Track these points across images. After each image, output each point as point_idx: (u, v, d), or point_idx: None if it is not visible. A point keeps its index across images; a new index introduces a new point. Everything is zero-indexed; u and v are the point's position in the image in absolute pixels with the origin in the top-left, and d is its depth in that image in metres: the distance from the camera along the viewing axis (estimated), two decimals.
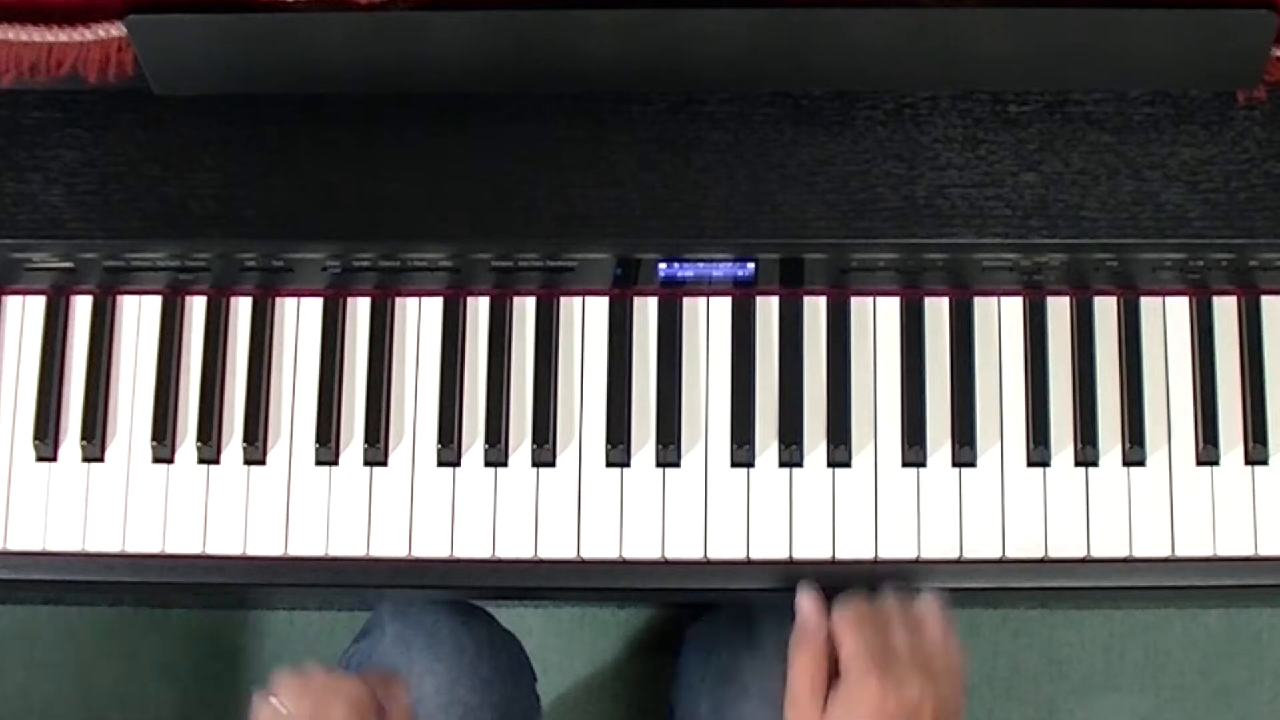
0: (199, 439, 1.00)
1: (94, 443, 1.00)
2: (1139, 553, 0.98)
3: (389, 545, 0.98)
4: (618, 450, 0.99)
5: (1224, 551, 0.98)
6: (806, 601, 0.95)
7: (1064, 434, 0.99)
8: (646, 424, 0.99)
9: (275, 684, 0.91)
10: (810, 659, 0.93)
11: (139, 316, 1.02)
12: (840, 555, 0.97)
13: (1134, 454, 0.98)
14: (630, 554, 0.98)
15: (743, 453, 0.98)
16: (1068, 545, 0.98)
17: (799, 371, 0.99)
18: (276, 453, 1.00)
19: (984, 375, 1.00)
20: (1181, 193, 0.95)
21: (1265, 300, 1.00)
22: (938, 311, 1.01)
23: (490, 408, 1.00)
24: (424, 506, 0.99)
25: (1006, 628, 1.57)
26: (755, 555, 0.98)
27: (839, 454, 0.98)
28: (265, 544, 0.98)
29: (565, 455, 0.99)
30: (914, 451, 0.98)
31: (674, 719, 1.12)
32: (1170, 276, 0.99)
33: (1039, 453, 0.98)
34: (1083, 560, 0.98)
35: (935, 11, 0.88)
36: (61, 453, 1.00)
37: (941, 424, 0.99)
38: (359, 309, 1.02)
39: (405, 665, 1.03)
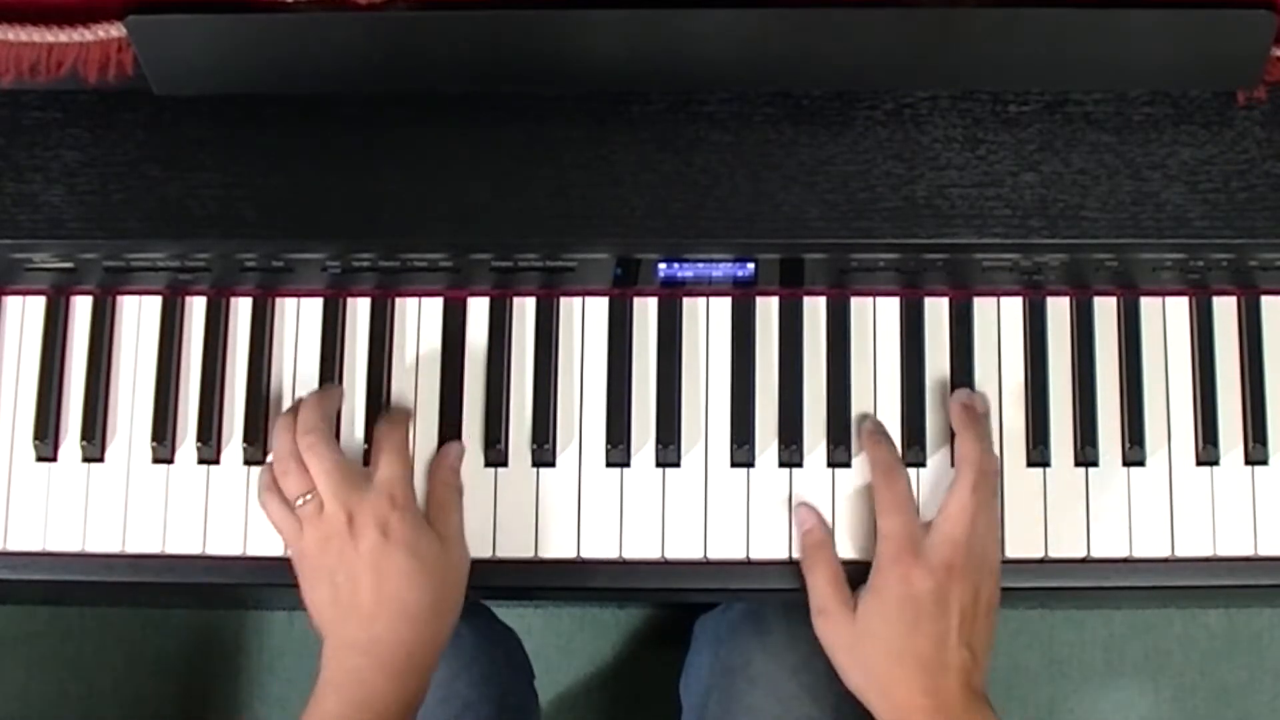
0: (199, 439, 1.00)
1: (94, 443, 1.00)
2: (1139, 553, 0.98)
3: None
4: (618, 450, 0.99)
5: (1224, 551, 0.98)
6: (804, 512, 0.97)
7: (1064, 434, 0.99)
8: (646, 424, 0.99)
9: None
10: (824, 567, 0.95)
11: (139, 316, 1.02)
12: (840, 555, 0.97)
13: (1134, 454, 0.99)
14: (630, 554, 0.98)
15: (743, 453, 0.98)
16: (1068, 545, 0.98)
17: (799, 371, 1.00)
18: None
19: (983, 376, 1.00)
20: (1181, 193, 0.95)
21: (1265, 300, 1.00)
22: (938, 311, 1.01)
23: (490, 408, 1.00)
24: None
25: (1006, 628, 1.58)
26: (755, 555, 0.98)
27: (839, 454, 0.98)
28: (266, 544, 0.98)
29: (565, 455, 0.99)
30: (914, 452, 0.98)
31: (683, 710, 1.12)
32: (1170, 276, 0.99)
33: (1038, 453, 0.98)
34: (1082, 560, 0.98)
35: (935, 11, 0.88)
36: (61, 453, 1.00)
37: (941, 425, 0.99)
38: (359, 309, 1.02)
39: None
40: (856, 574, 0.95)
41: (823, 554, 0.95)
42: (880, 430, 0.98)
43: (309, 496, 0.92)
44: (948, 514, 0.93)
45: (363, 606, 0.90)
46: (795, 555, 0.97)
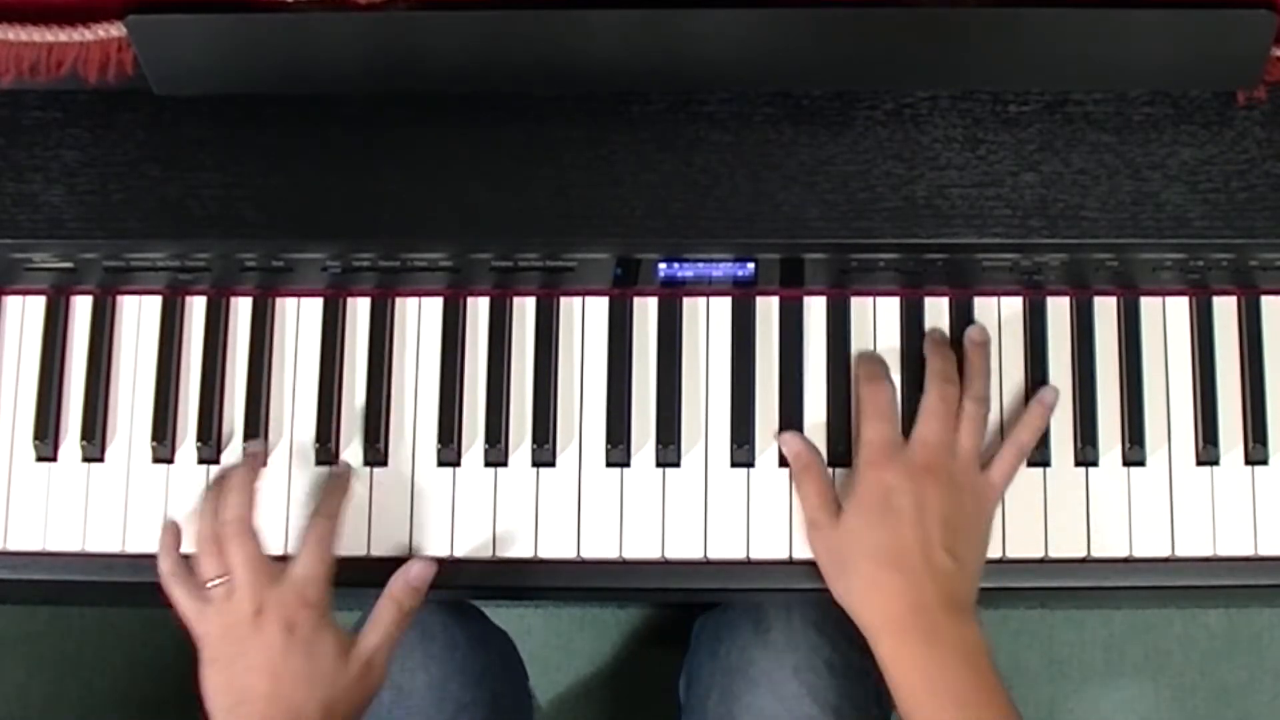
0: (199, 439, 1.00)
1: (94, 443, 1.00)
2: (1139, 553, 0.98)
3: (389, 545, 0.98)
4: (618, 450, 0.99)
5: (1224, 551, 0.98)
6: (788, 437, 0.98)
7: (1064, 434, 0.99)
8: (646, 424, 0.99)
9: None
10: (813, 482, 0.96)
11: (139, 316, 1.02)
12: None
13: (1134, 454, 0.99)
14: (630, 554, 0.98)
15: (743, 453, 0.98)
16: (1068, 545, 0.98)
17: (799, 371, 1.00)
18: (277, 453, 1.00)
19: None
20: (1181, 193, 0.95)
21: (1265, 300, 1.00)
22: (938, 311, 1.01)
23: (490, 408, 1.00)
24: (424, 506, 0.99)
25: (1006, 628, 1.58)
26: (755, 555, 0.98)
27: (839, 454, 0.98)
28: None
29: (565, 455, 0.99)
30: None
31: (683, 710, 1.13)
32: (1170, 276, 0.99)
33: (1039, 453, 0.98)
34: (1083, 560, 0.98)
35: (935, 11, 0.88)
36: (61, 453, 1.00)
37: None
38: (359, 309, 1.02)
39: (397, 662, 1.03)
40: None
41: (810, 471, 0.96)
42: (872, 354, 0.99)
43: (222, 580, 0.92)
44: (921, 420, 0.95)
45: (252, 701, 0.89)
46: (798, 556, 0.97)
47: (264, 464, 0.98)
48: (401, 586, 0.95)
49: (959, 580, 0.91)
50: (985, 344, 0.99)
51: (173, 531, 0.97)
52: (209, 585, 0.92)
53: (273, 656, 0.90)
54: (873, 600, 0.91)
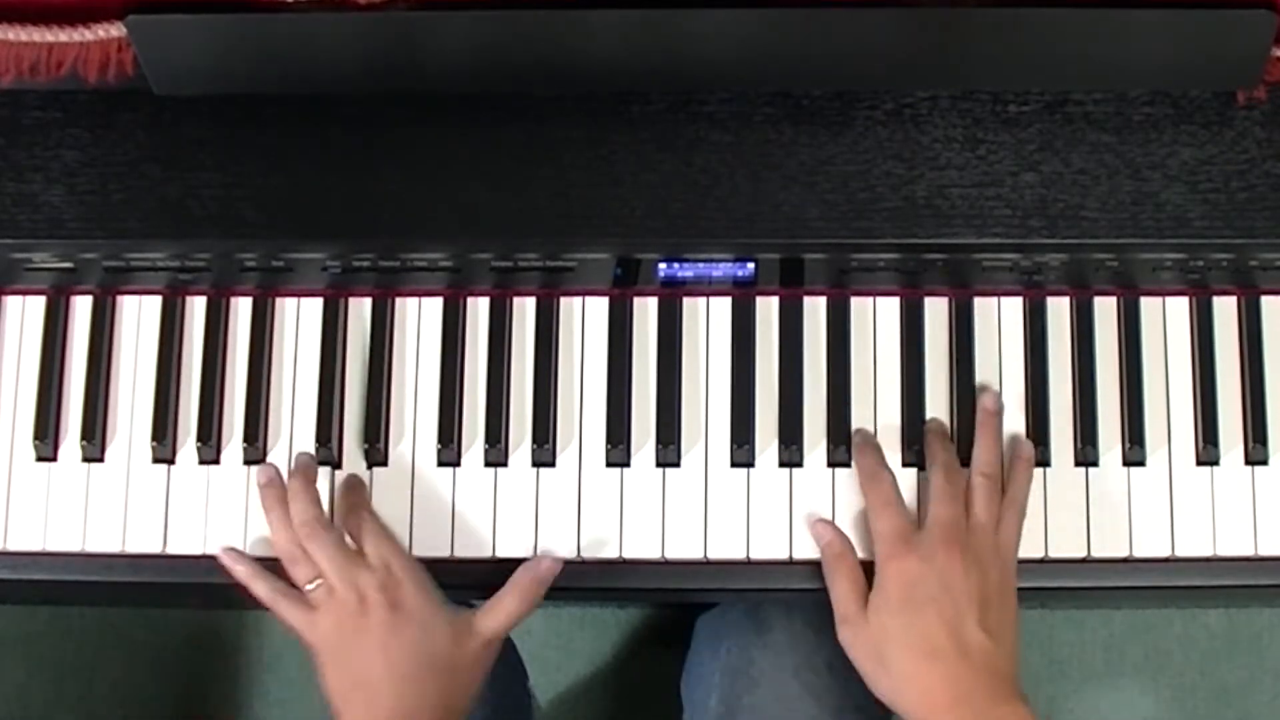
0: (199, 439, 1.00)
1: (94, 443, 1.00)
2: (1139, 553, 0.98)
3: None
4: (618, 450, 0.99)
5: (1224, 551, 0.98)
6: (820, 526, 0.97)
7: (1064, 434, 0.99)
8: (646, 424, 0.99)
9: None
10: (846, 575, 0.95)
11: (139, 316, 1.02)
12: None
13: (1134, 454, 0.99)
14: (630, 554, 0.98)
15: (743, 453, 0.98)
16: (1068, 545, 0.98)
17: (799, 371, 0.99)
18: (277, 453, 1.00)
19: (983, 376, 1.00)
20: (1181, 193, 0.95)
21: (1265, 300, 1.00)
22: (938, 311, 1.01)
23: (490, 408, 1.00)
24: (424, 506, 0.99)
25: None
26: (755, 555, 0.98)
27: (839, 454, 0.98)
28: (265, 545, 0.98)
29: (565, 455, 0.99)
30: (913, 452, 0.98)
31: (683, 710, 1.13)
32: (1170, 276, 0.99)
33: (1039, 453, 0.98)
34: (1082, 560, 0.98)
35: (935, 11, 0.88)
36: (61, 453, 1.00)
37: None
38: (359, 309, 1.02)
39: None
40: (864, 573, 0.95)
41: (844, 563, 0.95)
42: (866, 440, 0.98)
43: (319, 581, 0.93)
44: (932, 504, 0.94)
45: (372, 682, 0.90)
46: (798, 556, 0.97)
47: (316, 470, 0.98)
48: (530, 581, 0.95)
49: (998, 656, 0.90)
50: (999, 413, 0.98)
51: (244, 557, 0.96)
52: (308, 589, 0.93)
53: (384, 636, 0.91)
54: (914, 694, 0.90)
